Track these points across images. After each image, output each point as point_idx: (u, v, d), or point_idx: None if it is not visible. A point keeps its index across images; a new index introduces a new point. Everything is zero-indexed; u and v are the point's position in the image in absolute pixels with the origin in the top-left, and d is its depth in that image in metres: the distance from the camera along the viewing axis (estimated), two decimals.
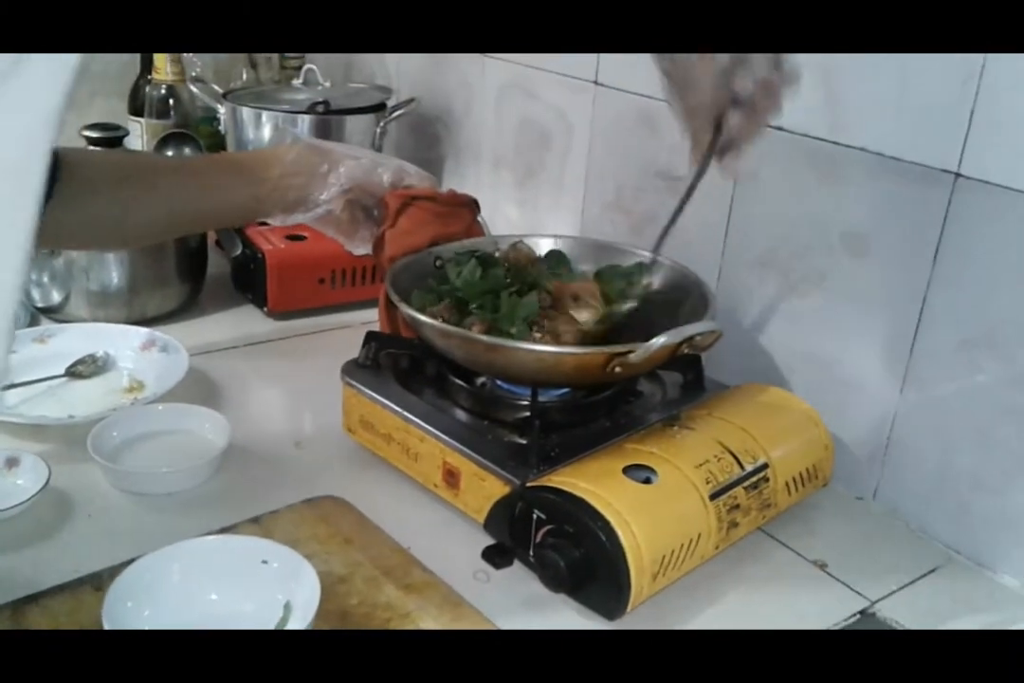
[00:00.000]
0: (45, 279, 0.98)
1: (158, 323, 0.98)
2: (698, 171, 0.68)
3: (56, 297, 0.99)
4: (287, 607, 0.54)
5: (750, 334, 0.86)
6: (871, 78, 0.72)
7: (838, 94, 0.74)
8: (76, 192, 0.71)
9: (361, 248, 0.87)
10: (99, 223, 0.75)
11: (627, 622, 0.63)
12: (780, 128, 0.79)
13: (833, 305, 0.79)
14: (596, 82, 0.96)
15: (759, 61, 0.63)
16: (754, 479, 0.69)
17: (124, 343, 0.91)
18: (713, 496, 0.66)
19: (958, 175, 0.68)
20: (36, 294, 0.99)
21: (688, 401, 0.77)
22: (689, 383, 0.81)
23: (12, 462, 0.72)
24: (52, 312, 0.99)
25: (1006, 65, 0.64)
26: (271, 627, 0.52)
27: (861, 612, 0.67)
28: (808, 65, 0.75)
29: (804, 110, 0.76)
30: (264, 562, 0.56)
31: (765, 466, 0.70)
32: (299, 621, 0.51)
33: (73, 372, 0.88)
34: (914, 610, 0.67)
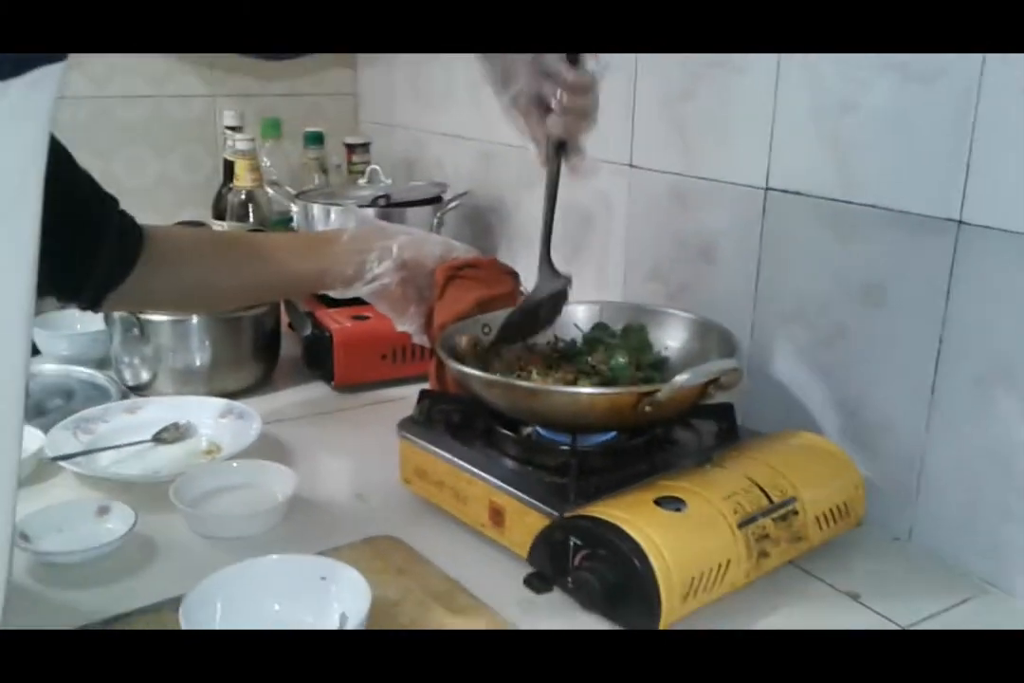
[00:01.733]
0: (136, 361, 1.09)
1: (234, 397, 1.07)
2: (548, 173, 0.77)
3: (145, 376, 1.09)
4: (343, 617, 0.60)
5: (782, 385, 0.91)
6: (875, 138, 0.79)
7: (847, 158, 0.81)
8: (160, 262, 0.81)
9: (408, 325, 0.95)
10: (181, 289, 0.85)
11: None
12: (798, 192, 0.86)
13: (857, 353, 0.84)
14: (631, 165, 1.05)
15: (551, 61, 0.70)
16: (782, 511, 0.73)
17: (204, 412, 1.00)
18: (741, 525, 0.70)
19: (961, 223, 0.74)
20: (127, 374, 1.10)
21: (722, 447, 0.82)
22: (723, 431, 0.85)
23: (103, 510, 0.80)
24: (140, 390, 1.09)
25: (998, 115, 0.70)
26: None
27: None
28: (817, 131, 0.83)
29: (819, 175, 0.84)
30: (323, 579, 0.62)
31: (793, 500, 0.74)
32: (352, 624, 0.57)
33: (158, 438, 0.96)
34: None
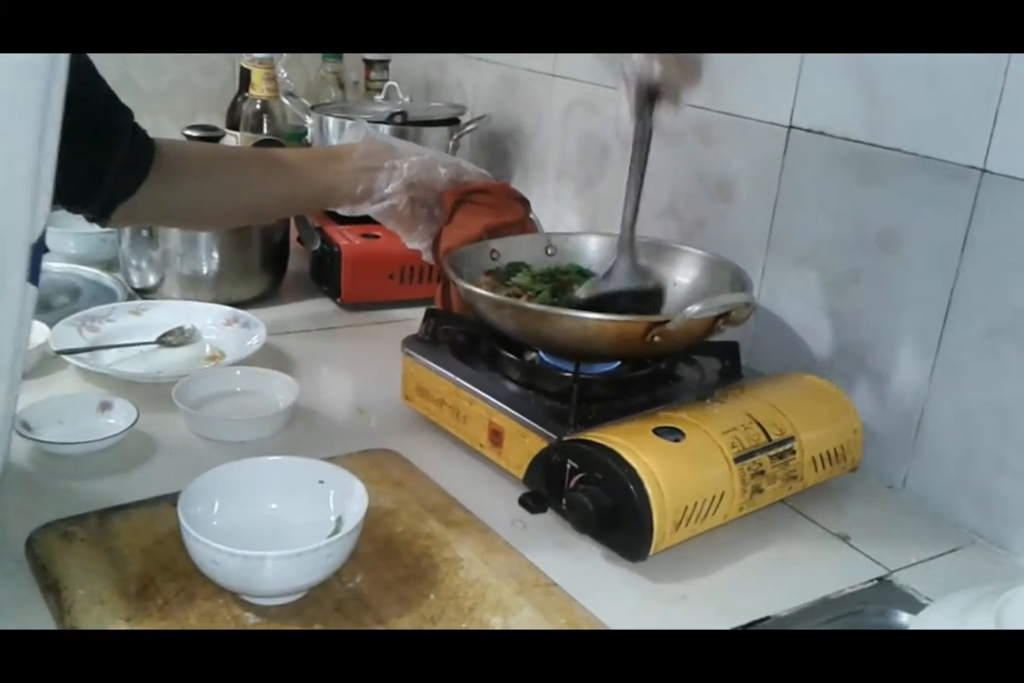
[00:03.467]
0: (144, 264, 1.08)
1: (240, 307, 1.06)
2: (636, 130, 0.69)
3: (152, 280, 1.08)
4: (339, 521, 0.61)
5: (789, 328, 0.91)
6: (905, 80, 0.77)
7: (876, 98, 0.80)
8: (170, 175, 0.80)
9: (418, 243, 0.94)
10: (189, 205, 0.84)
11: (650, 568, 0.67)
12: (821, 132, 0.85)
13: (868, 300, 0.83)
14: None
15: None
16: (780, 450, 0.73)
17: (209, 318, 1.00)
18: (738, 459, 0.70)
19: (984, 171, 0.73)
20: (135, 277, 1.10)
21: (724, 385, 0.82)
22: (727, 369, 0.85)
23: (106, 405, 0.80)
24: (147, 293, 1.09)
25: None
26: (325, 537, 0.58)
27: (879, 579, 0.70)
28: (848, 71, 0.81)
29: (844, 114, 0.82)
30: (321, 482, 0.62)
31: (791, 439, 0.74)
32: (347, 528, 0.57)
33: (163, 341, 0.96)
34: (930, 581, 0.69)
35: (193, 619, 0.56)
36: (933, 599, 0.66)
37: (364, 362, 0.99)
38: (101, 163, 0.75)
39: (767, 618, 0.64)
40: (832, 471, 0.78)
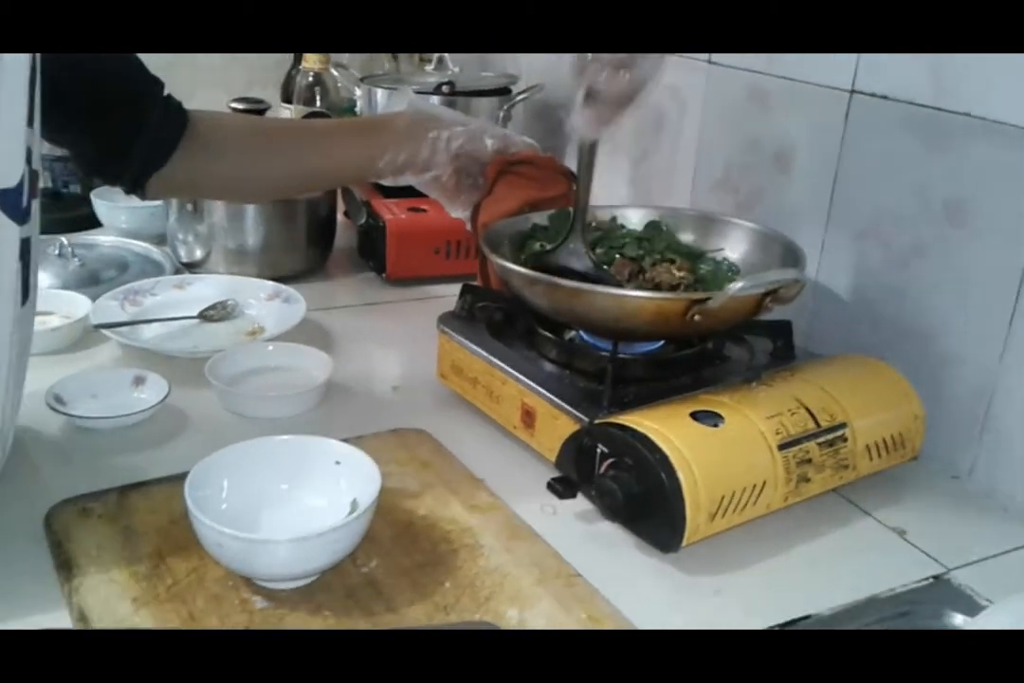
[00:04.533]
0: (190, 238, 1.08)
1: (286, 282, 1.05)
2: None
3: (198, 254, 1.08)
4: (353, 503, 0.58)
5: (850, 307, 0.85)
6: None
7: (942, 59, 0.73)
8: (203, 146, 0.79)
9: (461, 212, 0.91)
10: (224, 176, 0.83)
11: (683, 560, 0.64)
12: (885, 97, 0.78)
13: (934, 276, 0.77)
14: (709, 61, 0.97)
15: None
16: (830, 437, 0.69)
17: (252, 293, 0.99)
18: (783, 446, 0.66)
19: None
20: (181, 251, 1.09)
21: (775, 367, 0.77)
22: (778, 350, 0.81)
23: (139, 380, 0.80)
24: (194, 267, 1.09)
25: None
26: (341, 519, 0.56)
27: (935, 577, 0.65)
28: None
29: (908, 77, 0.76)
30: (337, 463, 0.60)
31: (843, 426, 0.69)
32: (356, 513, 0.55)
33: (204, 315, 0.96)
34: (990, 580, 0.64)
35: (200, 602, 0.55)
36: (993, 601, 0.61)
37: (404, 339, 0.97)
38: (131, 134, 0.75)
39: (807, 617, 0.60)
40: (890, 460, 0.73)
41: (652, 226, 0.88)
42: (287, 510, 0.59)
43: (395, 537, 0.61)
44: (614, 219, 0.89)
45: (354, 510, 0.58)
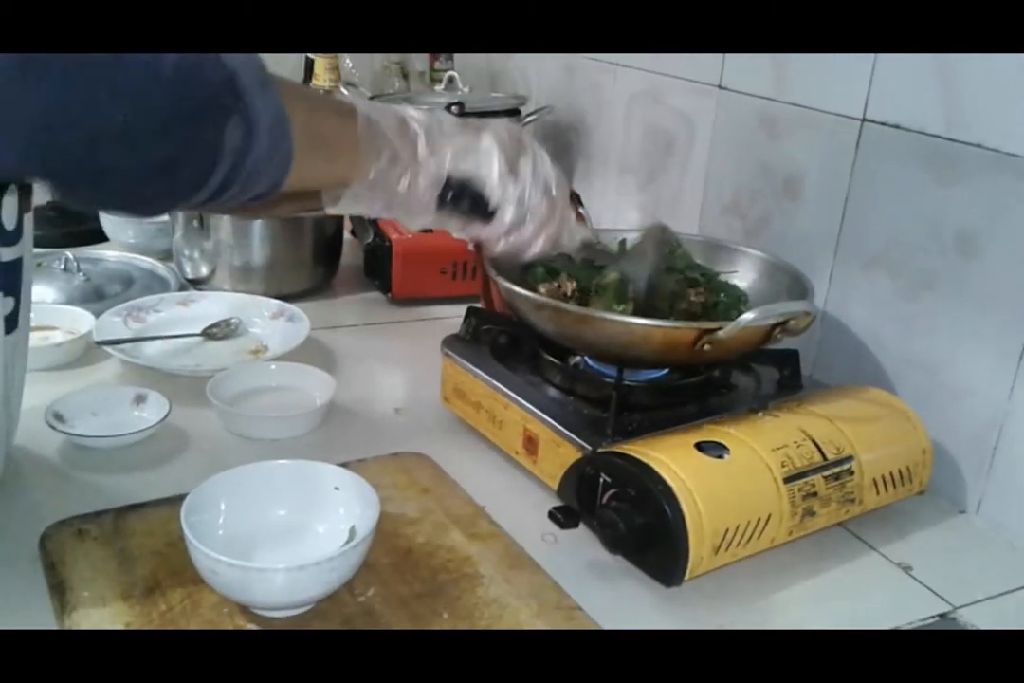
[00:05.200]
0: (196, 255, 1.08)
1: (291, 300, 1.05)
2: None
3: (204, 271, 1.08)
4: (352, 531, 0.58)
5: (857, 337, 0.85)
6: (988, 70, 0.70)
7: (955, 89, 0.73)
8: None
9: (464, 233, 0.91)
10: None
11: (687, 593, 0.63)
12: (896, 126, 0.78)
13: (944, 307, 0.77)
14: (720, 86, 0.97)
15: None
16: (836, 470, 0.68)
17: (256, 311, 0.99)
18: (788, 480, 0.65)
19: None
20: (188, 268, 1.09)
21: (782, 396, 0.77)
22: (785, 379, 0.80)
23: (140, 398, 0.79)
24: (199, 283, 1.09)
25: None
26: (338, 547, 0.55)
27: (940, 615, 0.64)
28: (923, 61, 0.75)
29: (920, 107, 0.76)
30: (336, 489, 0.60)
31: (850, 459, 0.68)
32: (354, 542, 0.54)
33: (208, 333, 0.95)
34: (998, 620, 0.63)
35: (193, 628, 0.54)
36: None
37: (408, 360, 0.96)
38: None
39: None
40: (896, 494, 0.72)
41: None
42: (284, 536, 0.59)
43: (393, 565, 0.61)
44: (623, 242, 0.88)
45: (352, 537, 0.57)
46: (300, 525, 0.59)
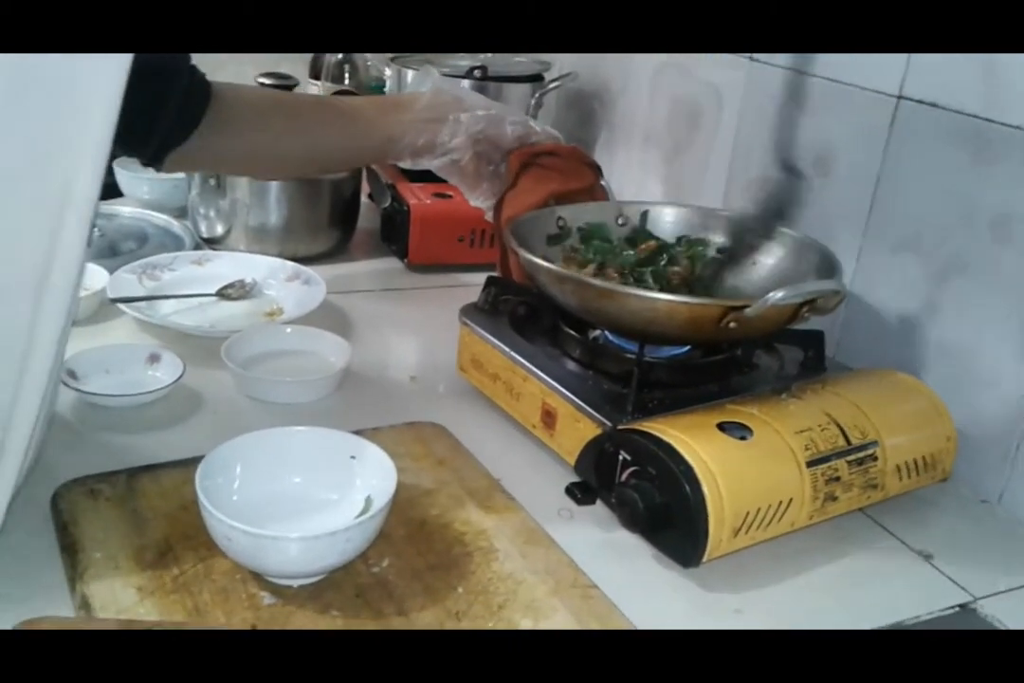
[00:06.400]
0: (212, 213, 1.06)
1: (307, 263, 1.03)
2: None
3: (219, 230, 1.06)
4: (367, 501, 0.57)
5: (884, 320, 0.83)
6: None
7: (996, 68, 0.71)
8: (224, 121, 0.77)
9: (482, 201, 0.89)
10: (243, 151, 0.81)
11: (703, 576, 0.62)
12: (934, 104, 0.76)
13: (974, 292, 0.75)
14: (751, 57, 0.95)
15: None
16: (860, 455, 0.67)
17: (272, 273, 0.97)
18: (811, 463, 0.64)
19: None
20: (203, 226, 1.08)
21: (804, 378, 0.75)
22: (809, 360, 0.78)
23: (154, 358, 0.78)
24: (214, 243, 1.07)
25: None
26: (351, 518, 0.55)
27: (961, 606, 0.63)
28: None
29: (959, 85, 0.74)
30: (352, 457, 0.59)
31: (874, 444, 0.67)
32: (371, 512, 0.53)
33: (222, 293, 0.94)
34: (1018, 613, 0.62)
35: (206, 595, 0.53)
36: None
37: (425, 327, 0.95)
38: (156, 106, 0.72)
39: None
40: (919, 481, 0.71)
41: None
42: (299, 504, 0.58)
43: (408, 537, 0.60)
44: (645, 214, 0.86)
45: (368, 507, 0.56)
46: (315, 493, 0.59)
